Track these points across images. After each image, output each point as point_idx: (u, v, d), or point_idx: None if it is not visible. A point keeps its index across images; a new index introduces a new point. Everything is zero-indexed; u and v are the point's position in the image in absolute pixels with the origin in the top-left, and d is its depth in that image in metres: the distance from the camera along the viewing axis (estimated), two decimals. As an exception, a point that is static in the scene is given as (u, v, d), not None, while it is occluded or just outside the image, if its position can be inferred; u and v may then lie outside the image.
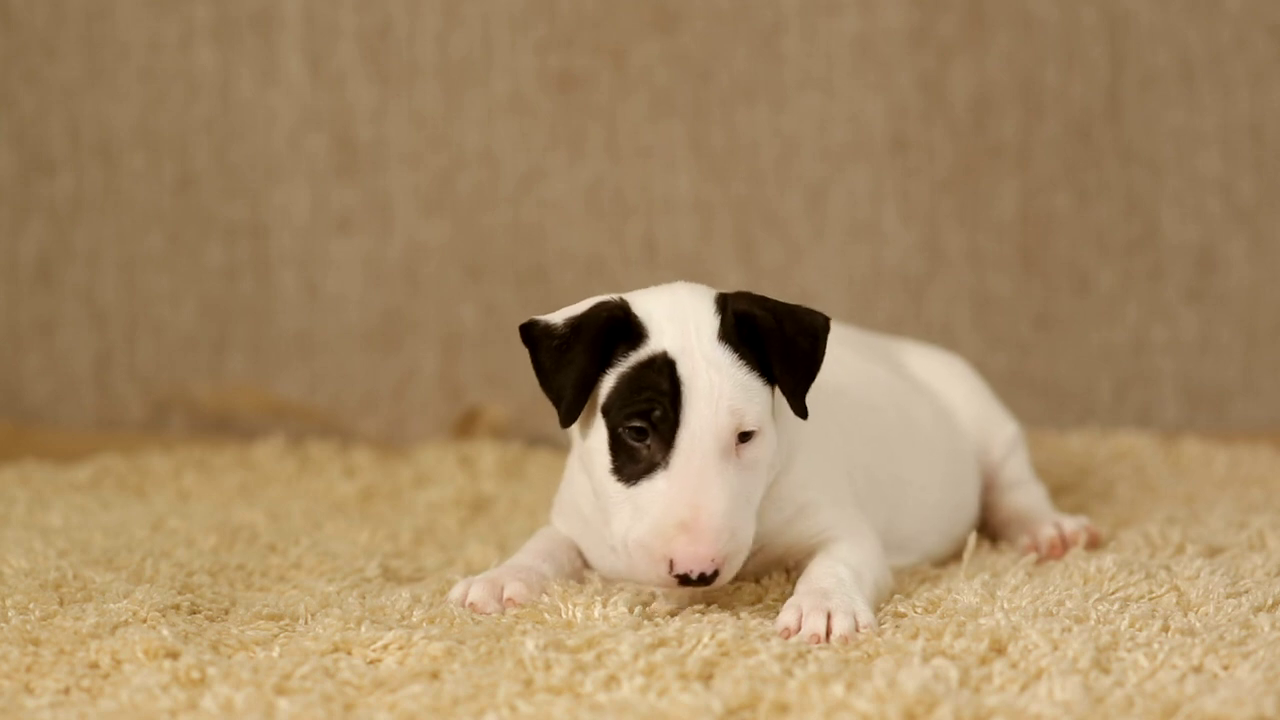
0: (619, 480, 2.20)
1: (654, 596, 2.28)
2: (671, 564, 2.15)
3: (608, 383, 2.21)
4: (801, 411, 2.22)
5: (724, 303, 2.23)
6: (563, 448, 3.77)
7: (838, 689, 1.87)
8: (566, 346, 2.22)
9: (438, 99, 3.87)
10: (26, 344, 3.94)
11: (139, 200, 3.91)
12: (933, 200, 3.83)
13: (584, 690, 1.92)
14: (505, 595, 2.25)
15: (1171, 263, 3.83)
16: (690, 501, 2.15)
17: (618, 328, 2.21)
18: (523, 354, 3.84)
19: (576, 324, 2.23)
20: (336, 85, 3.87)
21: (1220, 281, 3.83)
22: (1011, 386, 3.65)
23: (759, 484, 2.21)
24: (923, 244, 3.82)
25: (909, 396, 2.68)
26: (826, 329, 2.26)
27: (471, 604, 2.24)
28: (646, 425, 2.18)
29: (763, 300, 2.25)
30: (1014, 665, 1.97)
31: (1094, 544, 2.64)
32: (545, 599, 2.24)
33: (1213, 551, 2.57)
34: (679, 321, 2.21)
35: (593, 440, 2.23)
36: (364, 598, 2.33)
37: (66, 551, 2.59)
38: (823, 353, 2.24)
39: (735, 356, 2.20)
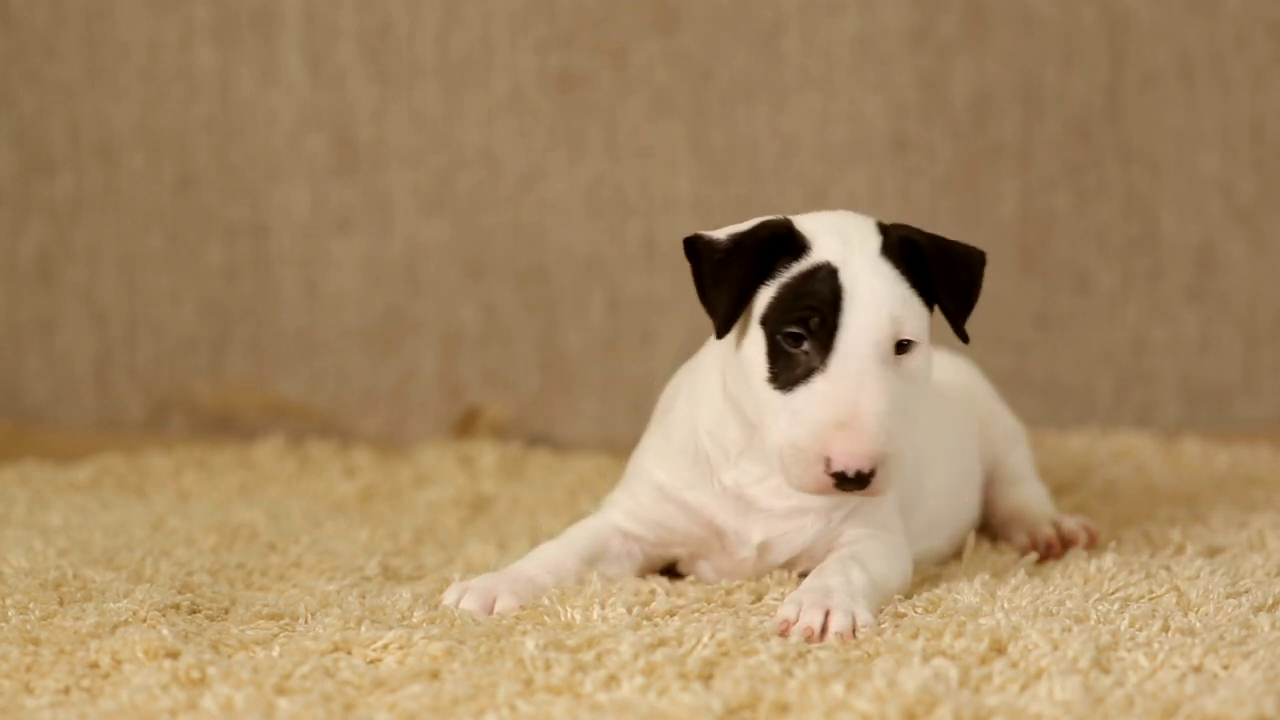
0: (775, 388, 2.23)
1: (653, 596, 2.28)
2: (828, 463, 2.17)
3: (767, 293, 2.25)
4: (964, 336, 2.29)
5: (885, 227, 2.29)
6: (563, 447, 3.78)
7: (838, 689, 1.87)
8: (728, 260, 2.26)
9: (438, 99, 3.87)
10: (26, 344, 3.94)
11: (139, 200, 3.91)
12: (933, 200, 3.83)
13: (584, 690, 1.92)
14: (496, 609, 2.25)
15: (1171, 263, 3.83)
16: (849, 400, 2.18)
17: (780, 241, 2.26)
18: (523, 353, 3.88)
19: (739, 239, 2.28)
20: (336, 85, 3.87)
21: (1220, 281, 3.83)
22: (1011, 386, 3.65)
23: (916, 399, 2.25)
24: (923, 244, 3.82)
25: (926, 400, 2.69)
26: (983, 263, 2.33)
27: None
28: (804, 331, 2.21)
29: (922, 231, 2.31)
30: (1014, 665, 1.97)
31: (1093, 544, 2.64)
32: (545, 601, 2.24)
33: (1213, 551, 2.57)
34: (842, 236, 2.27)
35: (748, 350, 2.25)
36: (364, 597, 2.33)
37: (66, 551, 2.59)
38: (980, 285, 2.32)
39: (897, 272, 2.25)
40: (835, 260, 2.23)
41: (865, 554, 2.29)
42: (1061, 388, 3.84)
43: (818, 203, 3.83)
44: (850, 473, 2.16)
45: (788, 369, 2.22)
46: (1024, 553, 2.61)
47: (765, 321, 2.24)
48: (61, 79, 3.90)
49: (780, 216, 2.30)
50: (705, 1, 3.82)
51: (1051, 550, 2.61)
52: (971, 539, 2.53)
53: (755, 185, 3.84)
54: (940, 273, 2.28)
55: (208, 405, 3.90)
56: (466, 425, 3.86)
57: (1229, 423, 3.81)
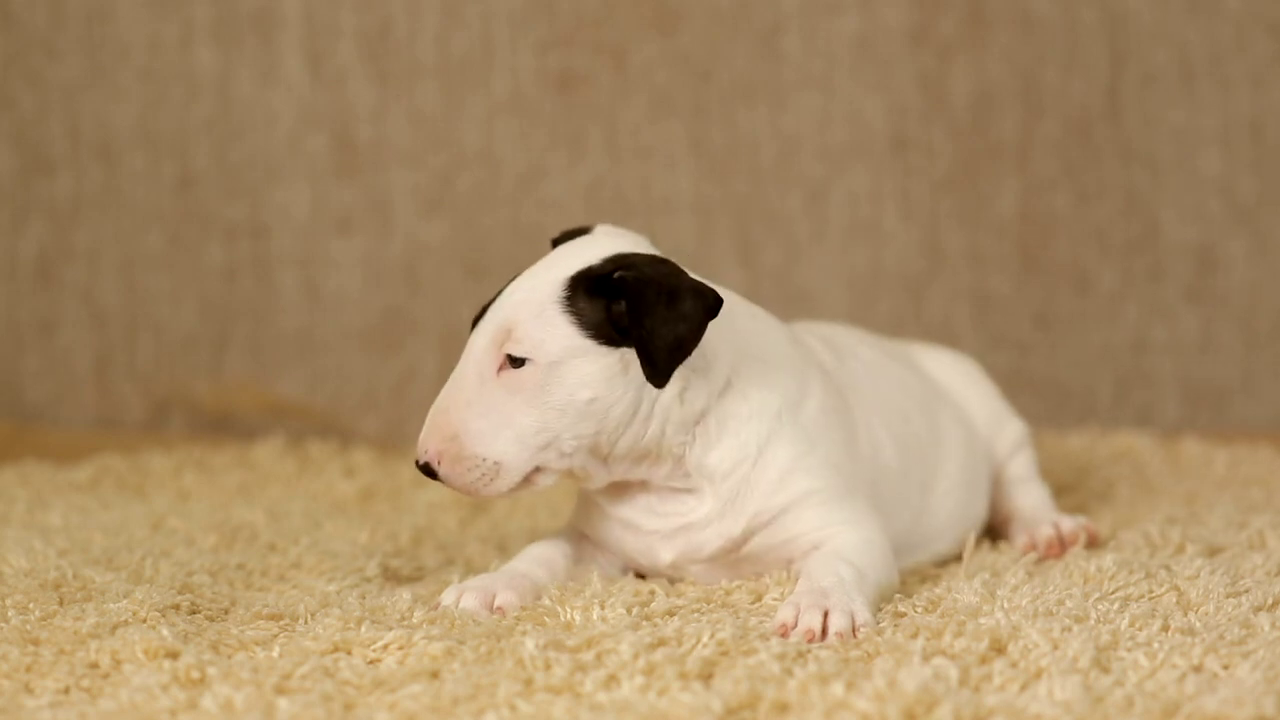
0: None
1: (653, 596, 2.28)
2: None
3: None
4: (654, 379, 2.20)
5: (621, 256, 2.24)
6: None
7: (838, 688, 1.87)
8: None
9: (438, 99, 3.87)
10: (26, 344, 3.94)
11: (139, 200, 3.91)
12: (933, 200, 3.83)
13: (584, 690, 1.92)
14: (495, 604, 2.26)
15: (1171, 263, 3.83)
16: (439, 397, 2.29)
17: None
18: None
19: None
20: (336, 85, 3.87)
21: (1220, 281, 3.83)
22: (1011, 386, 3.64)
23: (530, 414, 2.23)
24: (923, 244, 3.82)
25: (934, 401, 2.69)
26: (702, 310, 2.20)
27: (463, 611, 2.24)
28: None
29: (653, 266, 2.22)
30: (1014, 665, 1.97)
31: (1093, 543, 2.64)
32: (545, 601, 2.25)
33: (1213, 551, 2.57)
34: (566, 251, 2.30)
35: None
36: (364, 598, 2.33)
37: (66, 551, 2.59)
38: (684, 330, 2.19)
39: (567, 298, 2.23)
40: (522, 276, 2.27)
41: (844, 549, 2.28)
42: (1061, 388, 3.84)
43: (818, 202, 3.83)
44: (419, 461, 2.30)
45: None
46: (1023, 553, 2.61)
47: None
48: (61, 79, 3.90)
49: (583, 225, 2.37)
50: (705, 1, 3.82)
51: (1051, 551, 2.61)
52: (971, 539, 2.53)
53: (755, 185, 3.84)
54: (635, 309, 2.19)
55: (208, 405, 3.90)
56: (466, 425, 3.86)
57: (1229, 423, 3.81)
